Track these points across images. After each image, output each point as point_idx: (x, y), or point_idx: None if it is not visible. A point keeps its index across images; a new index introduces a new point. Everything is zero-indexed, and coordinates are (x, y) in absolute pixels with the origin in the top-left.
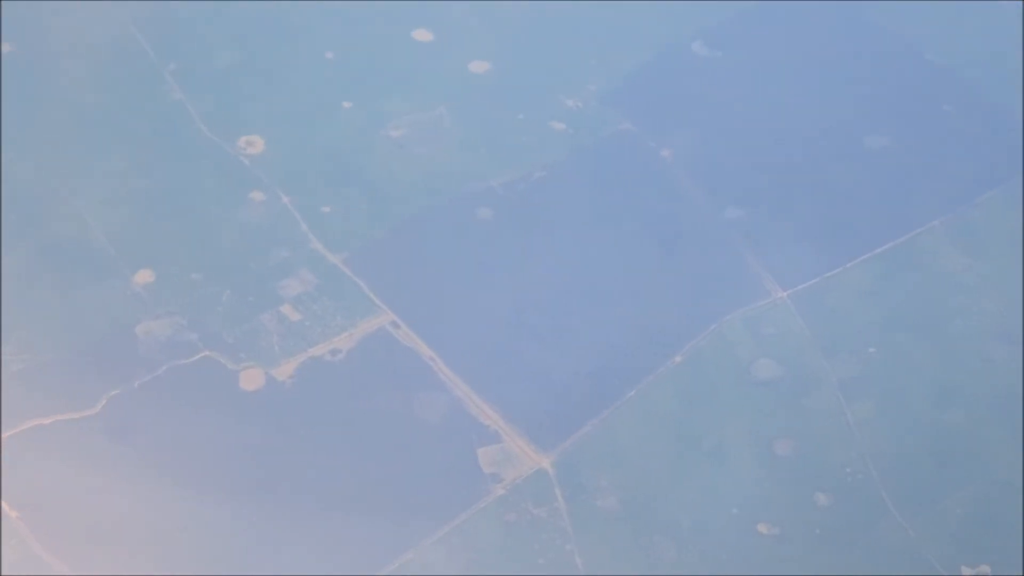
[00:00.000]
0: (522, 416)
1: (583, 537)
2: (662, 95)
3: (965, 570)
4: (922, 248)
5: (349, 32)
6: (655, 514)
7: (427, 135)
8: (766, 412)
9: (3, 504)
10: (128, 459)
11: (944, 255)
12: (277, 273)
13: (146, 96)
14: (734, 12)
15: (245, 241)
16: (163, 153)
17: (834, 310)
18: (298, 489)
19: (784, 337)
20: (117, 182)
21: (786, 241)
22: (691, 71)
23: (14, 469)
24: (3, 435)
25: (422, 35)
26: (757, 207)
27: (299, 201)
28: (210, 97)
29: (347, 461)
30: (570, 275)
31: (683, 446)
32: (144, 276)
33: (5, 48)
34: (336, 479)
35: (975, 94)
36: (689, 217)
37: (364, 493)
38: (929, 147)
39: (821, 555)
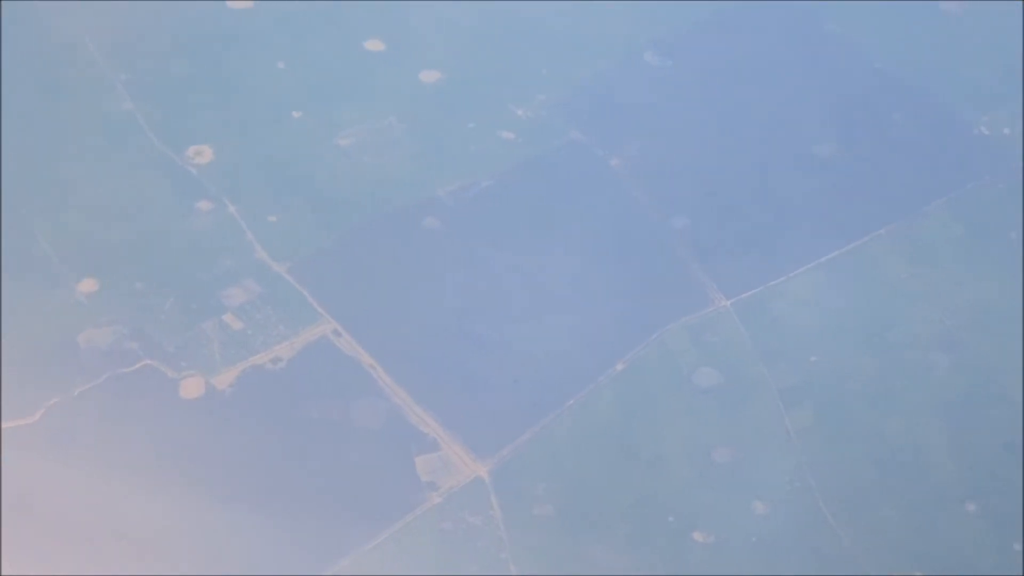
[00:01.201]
0: (461, 424)
1: (518, 545)
2: (612, 104)
3: None
4: (867, 257)
5: (301, 42)
6: (591, 522)
7: (376, 144)
8: (706, 420)
9: None
10: (66, 467)
11: (888, 264)
12: (221, 282)
13: (96, 105)
14: (686, 22)
15: (190, 250)
16: (112, 162)
17: (776, 319)
18: (236, 496)
19: (726, 345)
20: (64, 190)
21: (731, 250)
22: (642, 80)
23: None
24: None
25: (374, 45)
26: (703, 216)
27: (246, 210)
28: (160, 106)
29: (285, 468)
30: (514, 284)
31: (621, 454)
32: (88, 285)
33: None
34: (274, 486)
35: (924, 103)
36: (635, 226)
37: (302, 500)
38: (876, 156)
39: (755, 563)
